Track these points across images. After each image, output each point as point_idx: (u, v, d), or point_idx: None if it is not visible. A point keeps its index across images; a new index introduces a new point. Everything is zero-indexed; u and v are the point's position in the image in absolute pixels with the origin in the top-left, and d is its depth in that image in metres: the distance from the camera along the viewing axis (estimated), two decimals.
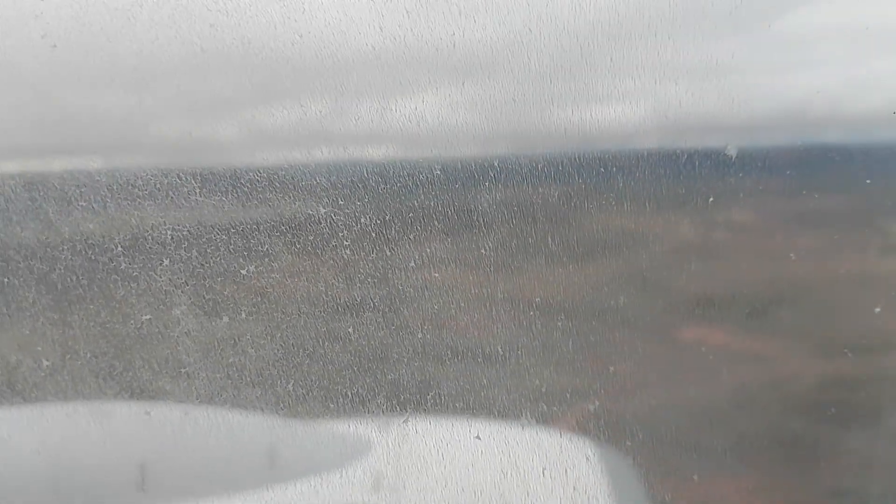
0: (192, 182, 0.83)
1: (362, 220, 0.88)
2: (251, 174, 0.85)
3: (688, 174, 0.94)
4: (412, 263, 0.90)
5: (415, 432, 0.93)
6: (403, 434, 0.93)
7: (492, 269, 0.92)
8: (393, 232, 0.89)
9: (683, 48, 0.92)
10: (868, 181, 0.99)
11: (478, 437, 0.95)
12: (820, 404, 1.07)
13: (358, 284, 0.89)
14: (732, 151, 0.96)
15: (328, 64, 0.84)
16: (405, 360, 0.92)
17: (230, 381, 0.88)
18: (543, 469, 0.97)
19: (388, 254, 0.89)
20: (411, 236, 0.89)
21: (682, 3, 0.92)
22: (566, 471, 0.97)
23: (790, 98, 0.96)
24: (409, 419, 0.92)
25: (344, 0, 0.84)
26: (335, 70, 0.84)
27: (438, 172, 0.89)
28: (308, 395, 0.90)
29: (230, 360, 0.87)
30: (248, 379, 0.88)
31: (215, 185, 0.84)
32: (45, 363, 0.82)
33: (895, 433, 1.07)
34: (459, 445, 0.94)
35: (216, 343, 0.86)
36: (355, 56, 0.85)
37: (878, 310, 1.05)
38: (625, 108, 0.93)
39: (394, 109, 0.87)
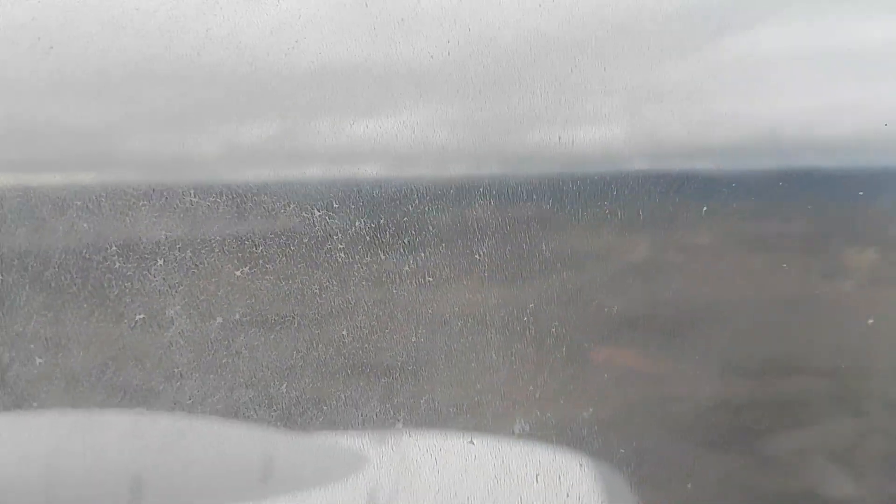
0: (187, 186, 0.84)
1: (357, 224, 0.88)
2: (245, 182, 0.86)
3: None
4: (406, 268, 0.90)
5: (408, 437, 0.93)
6: (396, 439, 0.92)
7: (485, 277, 0.92)
8: (387, 237, 0.89)
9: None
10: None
11: (471, 443, 0.94)
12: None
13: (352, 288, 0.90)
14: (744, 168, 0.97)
15: (321, 72, 0.85)
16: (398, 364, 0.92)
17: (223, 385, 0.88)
18: (537, 475, 0.97)
19: (383, 258, 0.89)
20: (405, 241, 0.89)
21: (665, 23, 0.94)
22: (559, 477, 0.97)
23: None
24: (403, 424, 0.92)
25: (338, 9, 0.85)
26: (327, 79, 0.85)
27: (428, 188, 0.89)
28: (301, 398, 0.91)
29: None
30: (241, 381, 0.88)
31: (210, 189, 0.85)
32: (38, 361, 0.83)
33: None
34: (452, 451, 0.94)
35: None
36: (348, 65, 0.86)
37: (870, 321, 1.05)
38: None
39: (386, 122, 0.88)
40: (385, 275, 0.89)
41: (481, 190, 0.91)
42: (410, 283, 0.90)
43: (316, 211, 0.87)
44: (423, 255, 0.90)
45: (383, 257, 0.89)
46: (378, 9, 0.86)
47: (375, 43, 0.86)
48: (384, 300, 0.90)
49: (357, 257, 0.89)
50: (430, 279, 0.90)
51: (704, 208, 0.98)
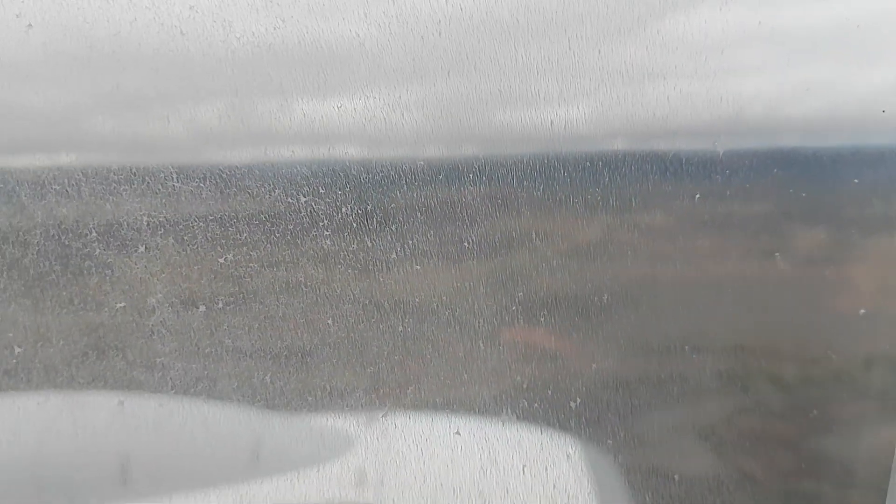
0: (170, 169, 0.82)
1: (343, 209, 0.86)
2: (231, 163, 0.83)
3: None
4: (393, 255, 0.88)
5: (394, 427, 0.91)
6: (383, 429, 0.91)
7: (474, 262, 0.91)
8: (374, 223, 0.87)
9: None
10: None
11: (458, 434, 0.93)
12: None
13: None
14: (720, 149, 0.96)
15: (310, 50, 0.83)
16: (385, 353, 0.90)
17: (206, 373, 0.86)
18: (524, 467, 0.96)
19: (370, 245, 0.88)
20: (393, 228, 0.88)
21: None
22: (546, 469, 0.96)
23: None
24: (389, 414, 0.91)
25: None
26: (317, 57, 0.83)
27: (422, 165, 0.88)
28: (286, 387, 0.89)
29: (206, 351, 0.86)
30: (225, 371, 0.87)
31: (193, 172, 0.82)
32: (17, 350, 0.81)
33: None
34: (439, 441, 0.93)
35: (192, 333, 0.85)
36: (338, 42, 0.84)
37: (862, 311, 1.05)
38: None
39: (377, 101, 0.86)
40: (372, 261, 0.88)
41: (474, 171, 0.89)
42: (398, 270, 0.88)
43: (302, 196, 0.85)
44: (410, 241, 0.88)
45: (370, 243, 0.87)
46: None
47: (367, 21, 0.84)
48: (371, 287, 0.88)
49: (343, 244, 0.87)
50: (419, 267, 0.89)
51: (697, 195, 0.97)
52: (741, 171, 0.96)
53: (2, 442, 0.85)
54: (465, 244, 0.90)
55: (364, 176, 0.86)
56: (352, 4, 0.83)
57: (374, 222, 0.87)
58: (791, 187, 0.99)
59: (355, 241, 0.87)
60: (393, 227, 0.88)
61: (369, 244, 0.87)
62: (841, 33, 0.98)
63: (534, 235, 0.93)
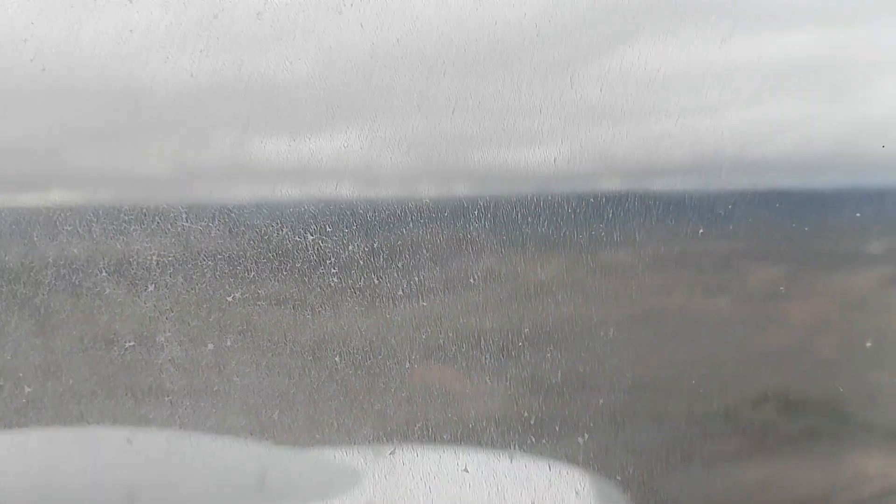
0: (180, 208, 0.83)
1: (350, 247, 0.87)
2: (239, 202, 0.84)
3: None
4: (399, 292, 0.89)
5: (402, 464, 0.91)
6: (390, 466, 0.91)
7: (480, 297, 0.92)
8: (381, 260, 0.88)
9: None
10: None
11: (465, 470, 0.93)
12: None
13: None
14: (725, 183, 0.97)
15: (319, 88, 0.84)
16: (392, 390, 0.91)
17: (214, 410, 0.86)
18: (532, 502, 0.96)
19: (376, 282, 0.88)
20: (399, 265, 0.88)
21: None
22: None
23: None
24: (396, 451, 0.91)
25: (335, 24, 0.84)
26: (325, 94, 0.84)
27: (427, 202, 0.89)
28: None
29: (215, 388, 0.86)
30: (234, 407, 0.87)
31: (202, 211, 0.83)
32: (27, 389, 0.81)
33: None
34: (447, 478, 0.93)
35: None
36: (346, 81, 0.85)
37: (868, 344, 1.05)
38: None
39: (383, 135, 0.87)
40: (379, 298, 0.88)
41: (479, 208, 0.90)
42: (404, 306, 0.89)
43: (309, 234, 0.86)
44: (416, 277, 0.89)
45: (377, 280, 0.88)
46: (375, 27, 0.85)
47: (373, 60, 0.85)
48: (377, 323, 0.89)
49: (350, 281, 0.87)
50: (425, 303, 0.89)
51: (700, 230, 0.98)
52: (745, 206, 0.97)
53: (12, 478, 0.85)
54: (471, 280, 0.91)
55: (370, 213, 0.87)
56: (359, 44, 0.85)
57: (381, 259, 0.88)
58: (789, 223, 1.00)
59: (362, 278, 0.88)
60: (399, 264, 0.88)
61: (376, 281, 0.88)
62: (838, 66, 0.99)
63: (539, 270, 0.93)
